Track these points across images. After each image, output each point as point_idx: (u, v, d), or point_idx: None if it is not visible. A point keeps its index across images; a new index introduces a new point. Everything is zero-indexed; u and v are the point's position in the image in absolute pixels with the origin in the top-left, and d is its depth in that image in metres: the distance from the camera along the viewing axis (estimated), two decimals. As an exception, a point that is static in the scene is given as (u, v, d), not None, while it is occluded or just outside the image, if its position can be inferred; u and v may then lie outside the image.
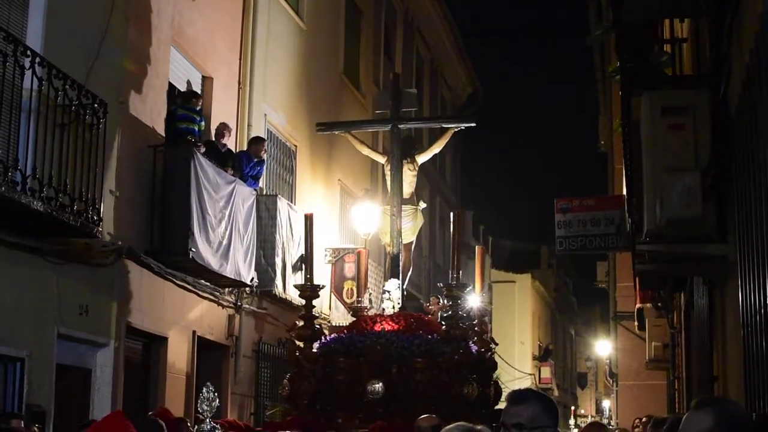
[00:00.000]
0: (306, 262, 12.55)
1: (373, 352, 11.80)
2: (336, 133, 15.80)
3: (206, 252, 14.54)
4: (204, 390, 8.45)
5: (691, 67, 12.06)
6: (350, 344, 12.03)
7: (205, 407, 8.39)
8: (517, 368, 43.34)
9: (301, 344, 12.26)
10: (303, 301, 16.77)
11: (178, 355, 15.17)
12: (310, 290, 12.38)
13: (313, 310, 12.53)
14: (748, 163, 6.88)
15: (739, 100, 7.44)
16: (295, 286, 12.65)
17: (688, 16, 11.52)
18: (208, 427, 8.34)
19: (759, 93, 6.29)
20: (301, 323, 12.36)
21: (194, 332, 15.60)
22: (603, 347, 45.81)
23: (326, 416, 11.79)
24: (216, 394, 8.53)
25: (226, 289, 16.52)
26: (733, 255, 8.36)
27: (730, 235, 8.66)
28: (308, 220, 12.65)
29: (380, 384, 11.55)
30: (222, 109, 16.93)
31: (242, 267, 15.84)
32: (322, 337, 12.35)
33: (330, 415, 11.82)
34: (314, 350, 12.15)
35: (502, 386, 13.52)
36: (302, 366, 12.08)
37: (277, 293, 17.63)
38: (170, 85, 15.37)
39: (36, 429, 10.53)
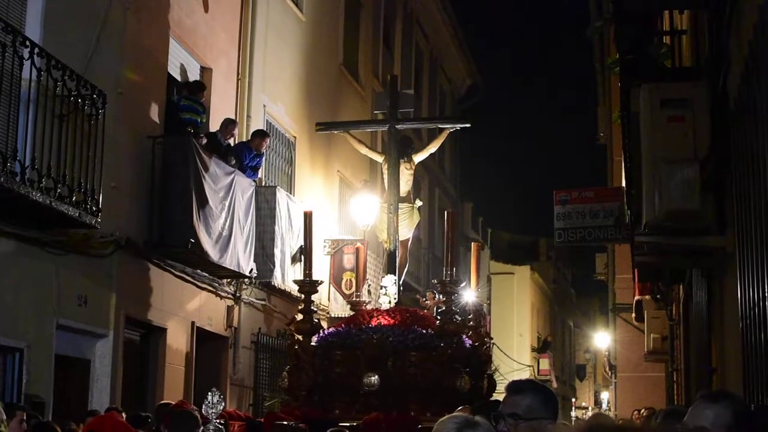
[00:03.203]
0: (305, 257, 12.75)
1: (369, 346, 12.06)
2: (335, 132, 16.04)
3: (206, 243, 14.54)
4: (209, 395, 8.65)
5: (690, 59, 12.05)
6: (347, 338, 12.37)
7: (210, 410, 8.60)
8: (516, 360, 43.35)
9: (300, 338, 12.54)
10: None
11: (177, 345, 15.18)
12: (309, 285, 12.66)
13: (312, 302, 12.76)
14: (747, 154, 6.88)
15: (738, 92, 7.44)
16: (295, 281, 12.96)
17: (688, 7, 11.51)
18: (213, 427, 8.56)
19: (758, 85, 6.28)
20: (300, 317, 12.59)
21: (193, 323, 15.62)
22: (602, 339, 45.83)
23: (324, 408, 12.07)
24: (221, 397, 8.73)
25: (225, 280, 16.53)
26: (731, 247, 8.36)
27: (729, 227, 8.66)
28: (307, 217, 12.94)
29: (376, 377, 11.85)
30: (221, 101, 16.93)
31: (242, 258, 15.85)
32: (321, 331, 12.64)
33: (327, 407, 12.10)
34: (313, 344, 12.44)
35: (500, 378, 13.71)
36: (301, 359, 12.35)
37: (275, 284, 17.64)
38: (169, 76, 15.37)
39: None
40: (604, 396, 56.03)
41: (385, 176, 14.01)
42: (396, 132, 14.10)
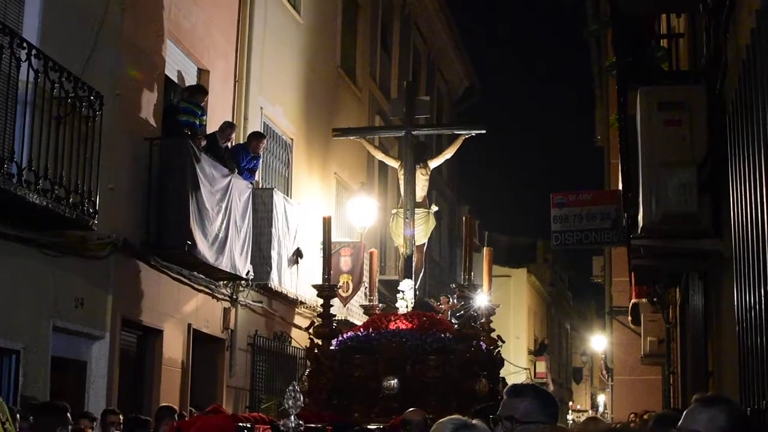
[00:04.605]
0: (324, 262, 12.96)
1: (389, 350, 12.30)
2: (351, 138, 16.25)
3: (203, 245, 14.54)
4: (290, 387, 8.87)
5: (687, 62, 12.06)
6: (366, 342, 12.57)
7: (291, 403, 8.77)
8: (513, 363, 43.34)
9: (319, 341, 12.74)
10: (299, 295, 16.96)
11: (174, 347, 15.17)
12: (328, 290, 12.92)
13: (331, 305, 12.94)
14: (743, 158, 6.88)
15: (735, 96, 7.44)
16: (314, 286, 13.17)
17: (685, 11, 11.52)
18: (293, 423, 8.75)
19: (755, 88, 6.28)
20: (318, 321, 12.80)
21: (189, 325, 15.61)
22: (598, 342, 45.80)
23: (343, 411, 12.22)
24: (301, 392, 8.94)
25: (222, 282, 16.52)
26: (728, 250, 8.35)
27: (726, 231, 8.65)
28: (326, 223, 13.10)
29: (395, 380, 12.08)
30: (218, 103, 16.92)
31: (238, 260, 15.85)
32: (339, 335, 12.81)
33: (347, 410, 12.26)
34: (332, 347, 12.65)
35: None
36: (320, 362, 12.56)
37: (272, 286, 17.63)
38: (167, 78, 15.36)
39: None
40: (601, 399, 56.03)
41: (401, 182, 14.19)
42: (412, 138, 14.33)
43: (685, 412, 4.35)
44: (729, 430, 4.09)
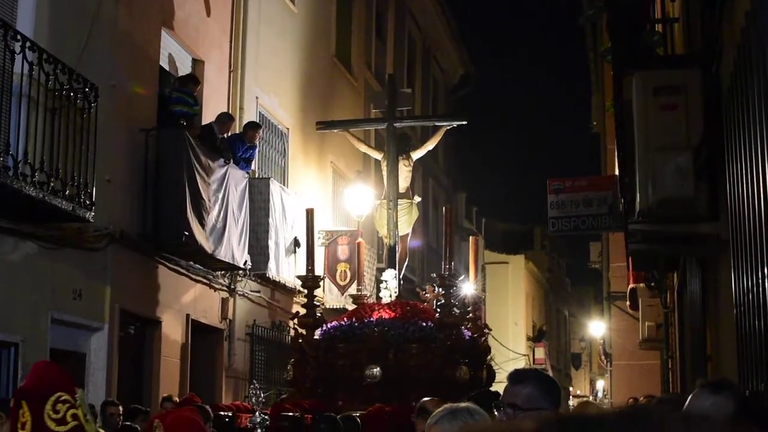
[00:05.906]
0: (307, 253, 13.06)
1: (371, 339, 12.48)
2: (335, 131, 16.38)
3: (200, 235, 14.53)
4: (252, 386, 9.31)
5: (683, 46, 12.04)
6: (350, 331, 12.74)
7: (254, 401, 9.22)
8: (511, 349, 43.38)
9: (304, 331, 12.92)
10: (297, 284, 17.06)
11: (172, 338, 15.18)
12: (311, 280, 13.08)
13: (315, 296, 13.09)
14: (739, 141, 6.88)
15: (730, 79, 7.43)
16: (298, 277, 13.32)
17: (680, -5, 11.51)
18: (258, 419, 9.06)
19: (750, 72, 6.28)
20: (303, 311, 12.93)
21: (188, 315, 15.61)
22: (597, 328, 45.86)
23: (327, 399, 12.36)
24: (262, 390, 9.35)
25: (220, 273, 16.52)
26: (725, 234, 8.36)
27: (723, 214, 8.66)
28: (309, 214, 13.29)
29: (378, 368, 12.28)
30: (214, 93, 16.90)
31: (236, 250, 15.85)
32: (323, 325, 13.00)
33: (331, 398, 12.41)
34: (316, 337, 12.87)
35: (495, 367, 13.88)
36: (305, 352, 12.73)
37: (270, 276, 17.64)
38: (161, 68, 15.34)
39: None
40: (600, 384, 56.13)
41: (384, 173, 14.30)
42: (394, 130, 14.52)
43: (690, 397, 4.35)
44: (735, 416, 4.10)
